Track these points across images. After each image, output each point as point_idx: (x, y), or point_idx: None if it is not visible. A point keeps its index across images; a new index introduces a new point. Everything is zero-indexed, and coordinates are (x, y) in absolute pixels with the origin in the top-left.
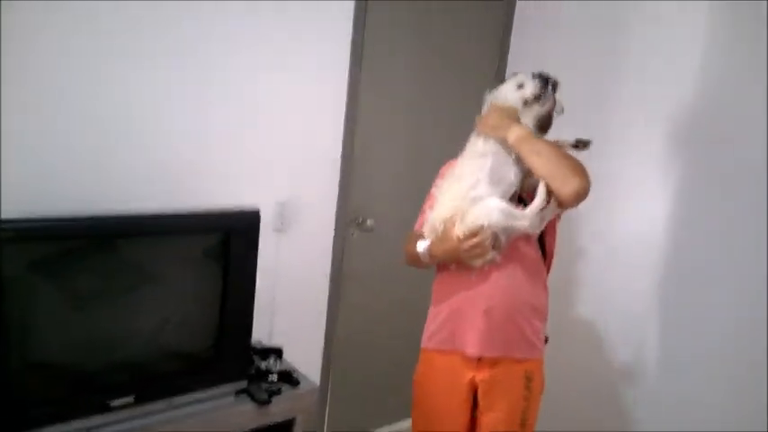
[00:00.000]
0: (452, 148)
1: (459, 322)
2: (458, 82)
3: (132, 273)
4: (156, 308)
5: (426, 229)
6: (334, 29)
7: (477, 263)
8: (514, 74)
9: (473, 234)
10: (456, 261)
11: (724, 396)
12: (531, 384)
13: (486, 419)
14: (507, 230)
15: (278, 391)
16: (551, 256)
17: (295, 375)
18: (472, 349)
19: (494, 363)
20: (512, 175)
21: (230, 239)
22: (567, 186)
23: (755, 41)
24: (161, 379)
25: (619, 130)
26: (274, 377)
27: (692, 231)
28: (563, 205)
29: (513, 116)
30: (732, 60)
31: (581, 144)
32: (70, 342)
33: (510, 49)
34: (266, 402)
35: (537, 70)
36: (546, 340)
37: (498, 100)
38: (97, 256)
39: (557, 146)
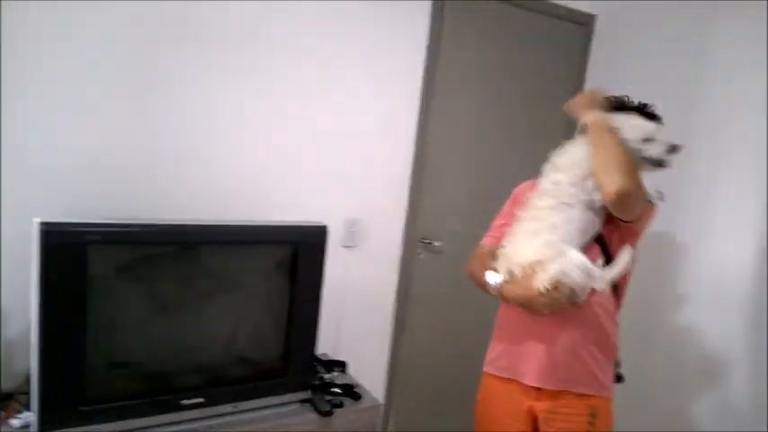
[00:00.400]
0: (524, 171)
1: (519, 351)
2: (532, 103)
3: (209, 280)
4: (229, 315)
5: (502, 266)
6: (408, 50)
7: (545, 312)
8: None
9: (554, 287)
10: (524, 307)
11: None
12: (595, 420)
13: None
14: (584, 289)
15: (340, 404)
16: (623, 293)
17: (357, 390)
18: (530, 380)
19: (555, 395)
20: (597, 226)
21: (299, 252)
22: (611, 184)
23: None
24: (230, 383)
25: (707, 153)
26: (337, 390)
27: None
28: (606, 204)
29: (600, 105)
30: None
31: (672, 149)
32: (150, 343)
33: (588, 66)
34: (329, 414)
35: (671, 141)
36: (619, 379)
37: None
38: (178, 263)
39: (623, 146)
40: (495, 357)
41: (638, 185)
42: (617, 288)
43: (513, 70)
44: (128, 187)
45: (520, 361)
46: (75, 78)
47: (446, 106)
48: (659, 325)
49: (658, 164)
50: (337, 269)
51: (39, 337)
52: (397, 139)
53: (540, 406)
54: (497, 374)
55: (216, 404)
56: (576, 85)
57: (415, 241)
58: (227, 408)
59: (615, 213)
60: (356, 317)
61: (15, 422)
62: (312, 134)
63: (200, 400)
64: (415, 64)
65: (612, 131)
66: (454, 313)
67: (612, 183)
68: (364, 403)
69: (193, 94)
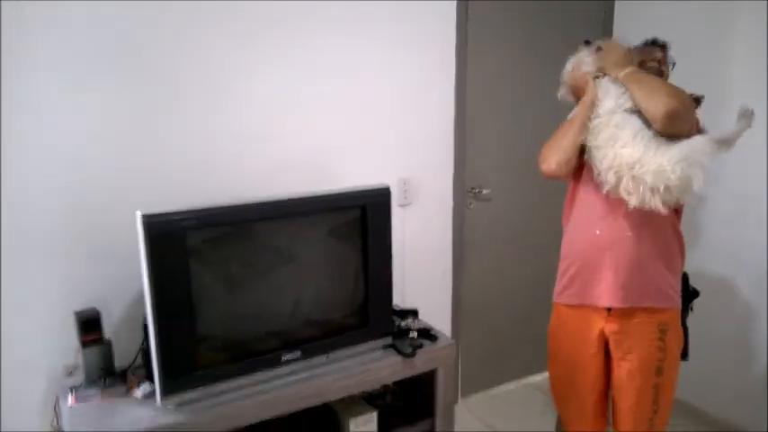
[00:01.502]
0: (560, 112)
1: (587, 277)
2: (563, 50)
3: (294, 248)
4: (314, 277)
5: (610, 175)
6: (440, 8)
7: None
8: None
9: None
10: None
11: None
12: (665, 336)
13: (620, 371)
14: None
15: (420, 346)
16: (682, 208)
17: (433, 332)
18: (602, 301)
19: (624, 314)
20: None
21: (367, 214)
22: (658, 107)
23: None
24: (321, 338)
25: (737, 85)
26: (414, 334)
27: None
28: (657, 127)
29: (631, 61)
30: None
31: (695, 100)
32: (250, 309)
33: (615, 14)
34: (411, 355)
35: (648, 37)
36: (695, 294)
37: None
38: (266, 236)
39: (659, 78)
40: (566, 285)
41: (683, 102)
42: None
43: (544, 18)
44: (199, 174)
45: (589, 286)
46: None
47: (481, 60)
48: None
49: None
50: (396, 227)
51: (153, 317)
52: (438, 96)
53: (610, 327)
54: (569, 303)
55: (311, 356)
56: (606, 26)
57: (465, 192)
58: (322, 359)
59: (668, 133)
60: (419, 268)
61: (138, 392)
62: (358, 104)
63: (298, 354)
64: (447, 20)
65: (646, 73)
66: (507, 254)
67: (661, 104)
68: (441, 343)
69: (247, 80)
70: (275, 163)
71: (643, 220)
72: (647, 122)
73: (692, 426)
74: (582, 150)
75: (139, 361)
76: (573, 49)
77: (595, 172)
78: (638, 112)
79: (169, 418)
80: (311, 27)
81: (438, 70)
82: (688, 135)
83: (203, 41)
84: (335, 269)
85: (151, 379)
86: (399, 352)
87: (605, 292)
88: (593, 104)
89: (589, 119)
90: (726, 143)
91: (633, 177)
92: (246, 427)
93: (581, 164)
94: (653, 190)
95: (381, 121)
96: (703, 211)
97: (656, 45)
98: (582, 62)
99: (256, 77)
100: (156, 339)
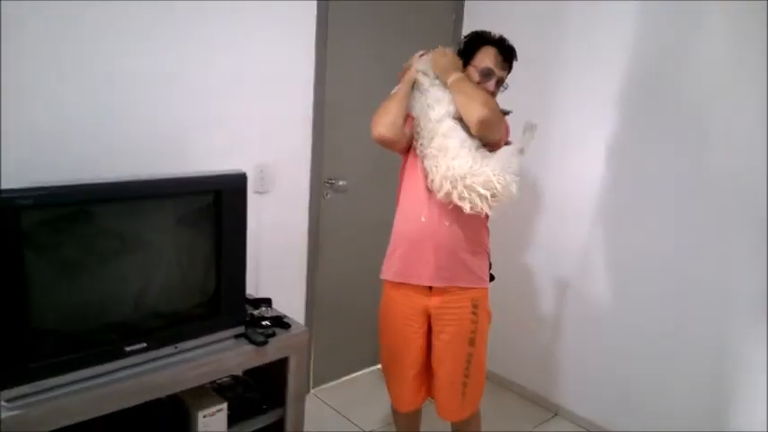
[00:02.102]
0: None
1: (412, 258)
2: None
3: (140, 231)
4: (162, 263)
5: (440, 183)
6: (302, 8)
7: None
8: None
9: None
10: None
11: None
12: (477, 310)
13: (439, 342)
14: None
15: (272, 334)
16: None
17: (286, 320)
18: (423, 280)
19: (443, 291)
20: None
21: (222, 200)
22: (473, 114)
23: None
24: (168, 327)
25: (564, 96)
26: (267, 322)
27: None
28: (473, 132)
29: (459, 67)
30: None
31: (504, 113)
32: (90, 296)
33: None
34: (263, 343)
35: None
36: (491, 278)
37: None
38: (109, 218)
39: (480, 88)
40: (392, 264)
41: (494, 111)
42: None
43: (400, 17)
44: (45, 149)
45: (413, 266)
46: None
47: (341, 55)
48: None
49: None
50: (251, 214)
51: None
52: (296, 85)
53: (432, 302)
54: (394, 280)
55: (158, 347)
56: (457, 26)
57: (321, 182)
58: (170, 350)
59: (482, 139)
60: (274, 257)
61: None
62: (217, 89)
63: (143, 345)
64: (308, 11)
65: (469, 82)
66: (361, 245)
67: (475, 112)
68: (293, 330)
69: (103, 50)
70: (129, 143)
71: (459, 212)
72: (469, 130)
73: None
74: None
75: None
76: (427, 47)
77: (429, 178)
78: (461, 119)
79: (4, 414)
80: (171, 8)
81: (298, 61)
82: (499, 143)
83: (65, 13)
84: (186, 256)
85: None
86: (251, 341)
87: (426, 273)
88: (412, 81)
89: (410, 92)
90: (521, 152)
91: (465, 186)
92: (92, 422)
93: (407, 154)
94: (482, 197)
95: (240, 107)
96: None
97: (503, 47)
98: (414, 63)
99: (117, 53)
100: None
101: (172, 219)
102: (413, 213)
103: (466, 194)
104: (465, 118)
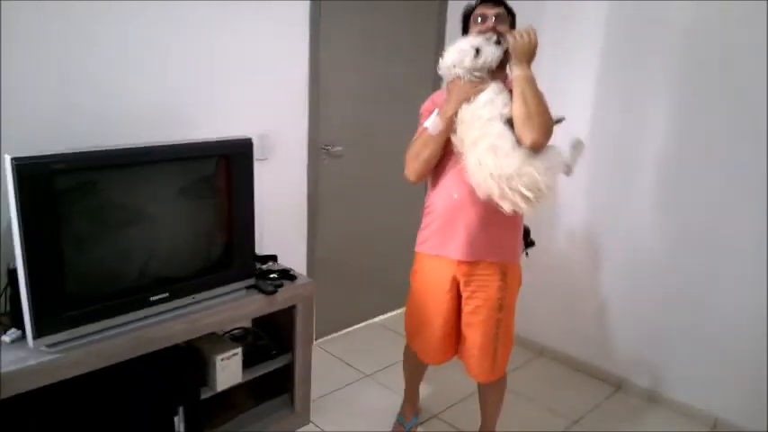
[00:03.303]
0: (407, 81)
1: (445, 233)
2: (406, 24)
3: (165, 195)
4: (181, 224)
5: (484, 182)
6: None
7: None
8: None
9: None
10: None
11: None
12: (506, 278)
13: (468, 307)
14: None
15: (281, 285)
16: None
17: (292, 273)
18: (454, 255)
19: (471, 263)
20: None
21: (231, 164)
22: (528, 136)
23: None
24: (188, 279)
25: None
26: (275, 275)
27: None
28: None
29: (532, 57)
30: None
31: (556, 121)
32: (119, 251)
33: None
34: (273, 293)
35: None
36: (531, 244)
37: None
38: (133, 180)
39: (543, 99)
40: (427, 238)
41: (548, 134)
42: None
43: None
44: (62, 120)
45: (446, 240)
46: None
47: (335, 25)
48: None
49: (503, 57)
50: (255, 180)
51: (23, 261)
52: (292, 57)
53: (461, 270)
54: (429, 252)
55: (178, 297)
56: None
57: (318, 149)
58: (189, 299)
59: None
60: (276, 219)
61: (6, 338)
62: (214, 60)
63: (165, 295)
64: None
65: (534, 85)
66: (358, 207)
67: (530, 134)
68: (300, 281)
69: (101, 22)
70: (134, 115)
71: None
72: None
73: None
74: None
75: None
76: (417, 21)
77: (470, 177)
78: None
79: (44, 358)
80: None
81: (293, 30)
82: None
83: None
84: (200, 216)
85: (17, 325)
86: (262, 291)
87: (458, 248)
88: (452, 119)
89: (453, 131)
90: (569, 171)
91: (510, 188)
92: (120, 365)
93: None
94: (525, 198)
95: (240, 79)
96: None
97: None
98: (482, 53)
99: (121, 24)
100: (26, 283)
101: (187, 181)
102: (445, 190)
103: (510, 194)
104: (517, 131)
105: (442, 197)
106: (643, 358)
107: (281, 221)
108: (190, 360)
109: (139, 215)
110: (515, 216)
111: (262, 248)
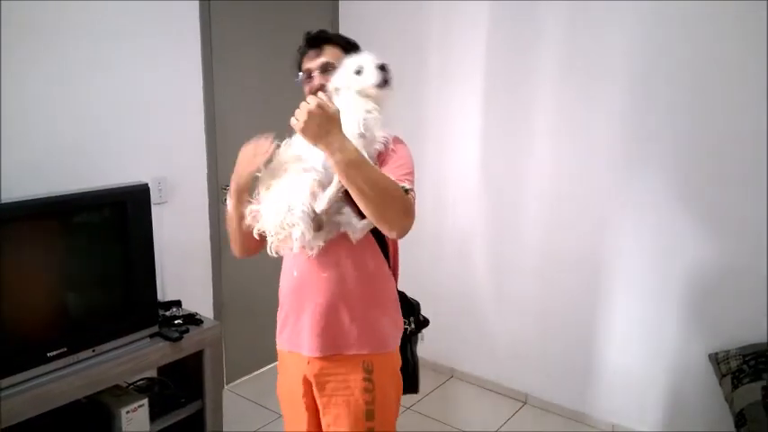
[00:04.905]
0: None
1: (292, 323)
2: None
3: (58, 247)
4: (77, 275)
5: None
6: (186, 29)
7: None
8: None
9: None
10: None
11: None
12: (371, 375)
13: (327, 418)
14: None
15: (186, 330)
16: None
17: (198, 317)
18: (303, 350)
19: (325, 359)
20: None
21: (127, 210)
22: (388, 232)
23: None
24: (86, 331)
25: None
26: (180, 321)
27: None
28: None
29: (337, 122)
30: None
31: (381, 67)
32: (13, 306)
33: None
34: (178, 339)
35: (377, 59)
36: (424, 323)
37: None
38: (28, 236)
39: (382, 176)
40: (280, 330)
41: (407, 215)
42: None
43: (281, 18)
44: None
45: (294, 331)
46: None
47: (228, 62)
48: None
49: (383, 84)
50: (154, 224)
51: None
52: (187, 100)
53: (311, 369)
54: (282, 348)
55: (77, 351)
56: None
57: (219, 189)
58: (88, 353)
59: None
60: (179, 264)
61: None
62: (114, 106)
63: (63, 349)
64: (190, 21)
65: (359, 165)
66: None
67: (391, 232)
68: (206, 325)
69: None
70: (32, 161)
71: (337, 257)
72: None
73: None
74: None
75: None
76: None
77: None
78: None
79: None
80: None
81: (187, 78)
82: None
83: None
84: (97, 265)
85: None
86: (166, 337)
87: (304, 340)
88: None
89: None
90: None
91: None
92: (17, 427)
93: None
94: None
95: (135, 123)
96: None
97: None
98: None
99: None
100: None
101: (82, 231)
102: (286, 267)
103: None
104: (382, 230)
105: (284, 276)
106: None
107: (185, 265)
108: (94, 416)
109: (34, 268)
110: (384, 290)
111: (165, 294)
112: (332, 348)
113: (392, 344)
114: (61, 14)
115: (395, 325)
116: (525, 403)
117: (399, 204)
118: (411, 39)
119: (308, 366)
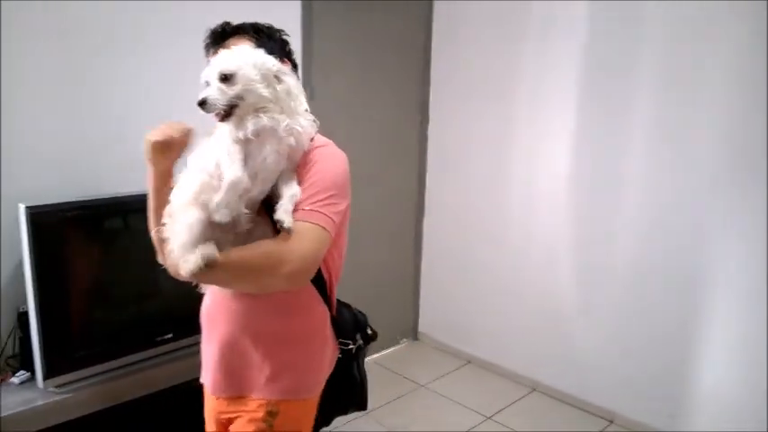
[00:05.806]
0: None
1: (204, 350)
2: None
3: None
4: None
5: None
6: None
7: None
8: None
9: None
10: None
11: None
12: (274, 421)
13: None
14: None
15: None
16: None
17: None
18: (211, 389)
19: (233, 400)
20: None
21: None
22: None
23: None
24: (192, 320)
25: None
26: None
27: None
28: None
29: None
30: None
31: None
32: (121, 296)
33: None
34: None
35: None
36: (372, 338)
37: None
38: (134, 229)
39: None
40: (200, 364)
41: (298, 263)
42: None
43: (373, 29)
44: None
45: (206, 362)
46: None
47: (324, 71)
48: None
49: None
50: None
51: (35, 305)
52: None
53: (219, 409)
54: (202, 382)
55: (182, 337)
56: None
57: None
58: (191, 340)
59: None
60: None
61: (15, 380)
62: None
63: (170, 335)
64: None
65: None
66: None
67: (282, 289)
68: None
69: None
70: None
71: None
72: None
73: None
74: None
75: (8, 352)
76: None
77: None
78: None
79: (53, 398)
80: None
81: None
82: None
83: None
84: None
85: (26, 367)
86: None
87: (212, 377)
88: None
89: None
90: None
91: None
92: (123, 405)
93: None
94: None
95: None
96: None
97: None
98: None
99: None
100: (37, 325)
101: None
102: (207, 293)
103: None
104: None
105: (203, 304)
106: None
107: None
108: (195, 401)
109: (147, 258)
110: (306, 324)
111: None
112: (235, 389)
113: (306, 392)
114: (163, 16)
115: (317, 368)
116: (612, 422)
117: (269, 270)
118: (505, 40)
119: (215, 405)
